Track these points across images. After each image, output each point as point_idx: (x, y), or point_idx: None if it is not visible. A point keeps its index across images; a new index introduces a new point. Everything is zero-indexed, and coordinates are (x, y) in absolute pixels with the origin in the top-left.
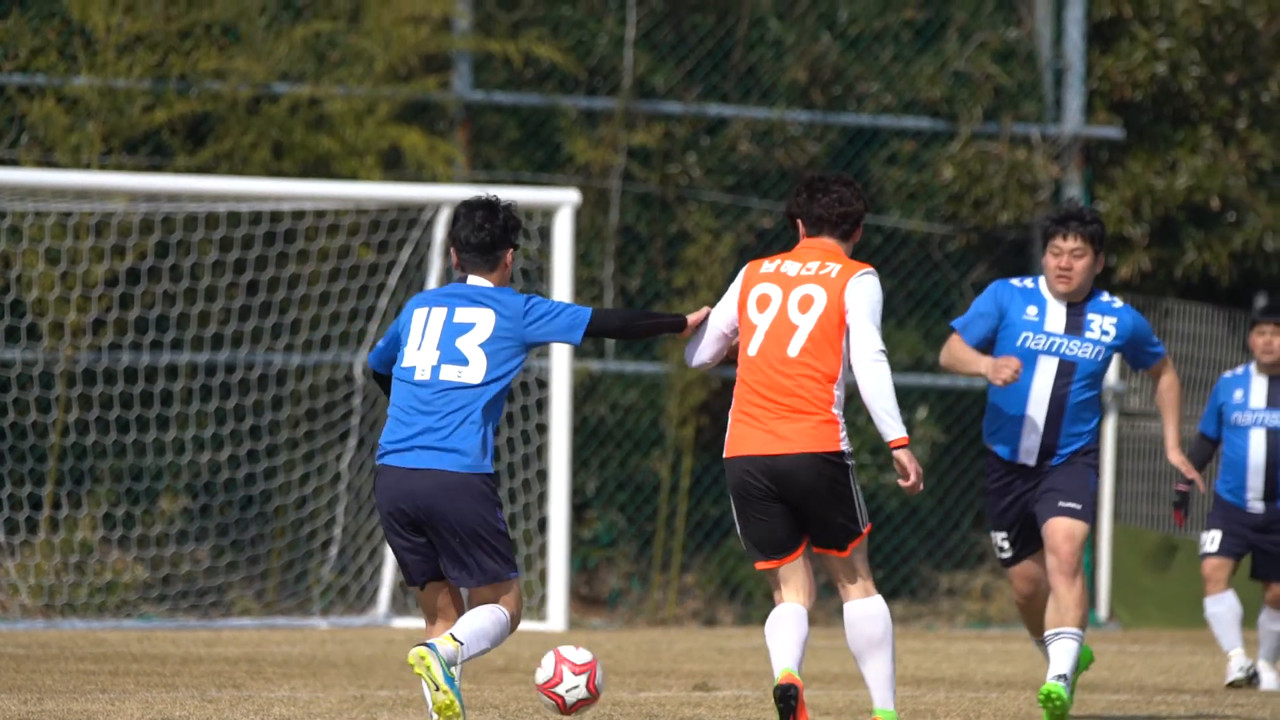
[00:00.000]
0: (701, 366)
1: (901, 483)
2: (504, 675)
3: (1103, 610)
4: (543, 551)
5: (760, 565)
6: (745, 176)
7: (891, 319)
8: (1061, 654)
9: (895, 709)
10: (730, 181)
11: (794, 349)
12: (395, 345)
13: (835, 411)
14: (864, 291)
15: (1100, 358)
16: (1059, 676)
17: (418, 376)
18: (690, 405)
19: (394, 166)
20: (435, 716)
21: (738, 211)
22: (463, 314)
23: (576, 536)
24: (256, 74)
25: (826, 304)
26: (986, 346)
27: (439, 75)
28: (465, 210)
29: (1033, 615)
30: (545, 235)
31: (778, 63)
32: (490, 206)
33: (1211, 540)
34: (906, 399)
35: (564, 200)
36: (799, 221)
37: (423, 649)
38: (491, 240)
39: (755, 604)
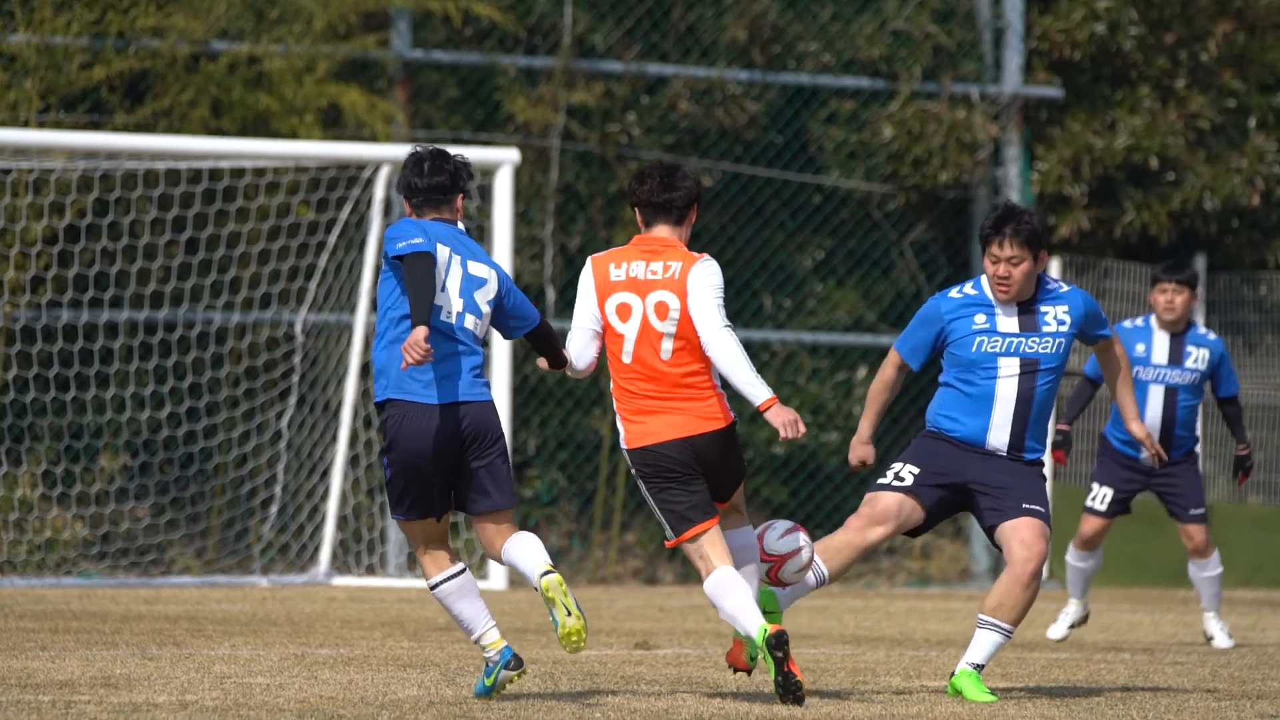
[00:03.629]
0: (588, 367)
1: (783, 435)
2: (445, 634)
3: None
4: None
5: (688, 533)
6: (685, 135)
7: (831, 278)
8: (984, 644)
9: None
10: (670, 140)
11: (665, 353)
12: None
13: (719, 389)
14: (700, 276)
15: (1060, 349)
16: (975, 666)
17: (444, 317)
18: None
19: (333, 125)
20: (565, 640)
21: None
22: (475, 268)
23: (518, 496)
24: (195, 31)
25: (680, 307)
26: (933, 361)
27: (378, 33)
28: (416, 157)
29: (854, 552)
30: (485, 194)
31: (717, 21)
32: (442, 153)
33: (1102, 499)
34: (847, 358)
35: (504, 159)
36: (636, 210)
37: (557, 576)
38: (450, 182)
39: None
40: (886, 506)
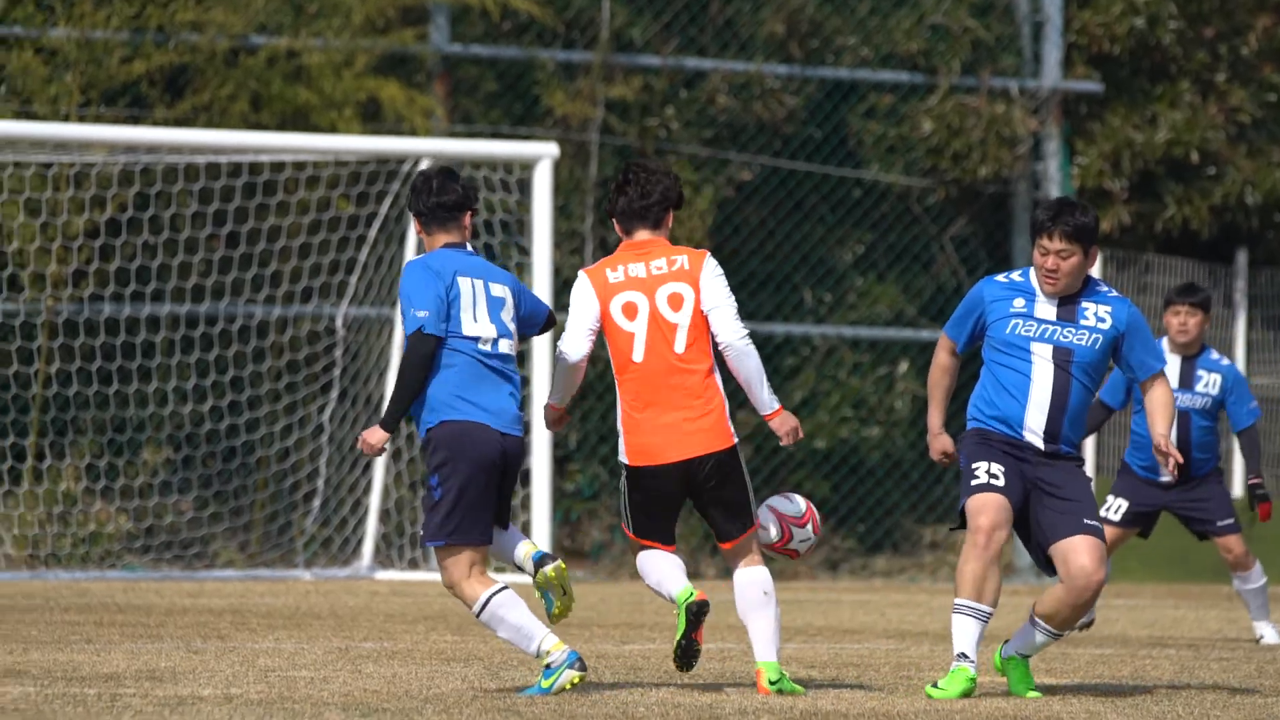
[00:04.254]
0: (581, 360)
1: (785, 441)
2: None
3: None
4: (525, 504)
5: (645, 542)
6: (723, 129)
7: (872, 272)
8: (1034, 640)
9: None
10: (708, 134)
11: (680, 345)
12: (446, 311)
13: (723, 399)
14: (713, 274)
15: (1097, 345)
16: (1024, 656)
17: (482, 346)
18: None
19: (372, 119)
20: (554, 617)
21: (716, 164)
22: (495, 289)
23: (559, 489)
24: (234, 26)
25: (695, 298)
26: (977, 348)
27: (416, 27)
28: (424, 176)
29: (990, 563)
30: (524, 188)
31: (755, 15)
32: (450, 172)
33: (1116, 509)
34: (888, 353)
35: (543, 153)
36: (615, 221)
37: (562, 562)
38: (458, 201)
39: None
40: (998, 507)
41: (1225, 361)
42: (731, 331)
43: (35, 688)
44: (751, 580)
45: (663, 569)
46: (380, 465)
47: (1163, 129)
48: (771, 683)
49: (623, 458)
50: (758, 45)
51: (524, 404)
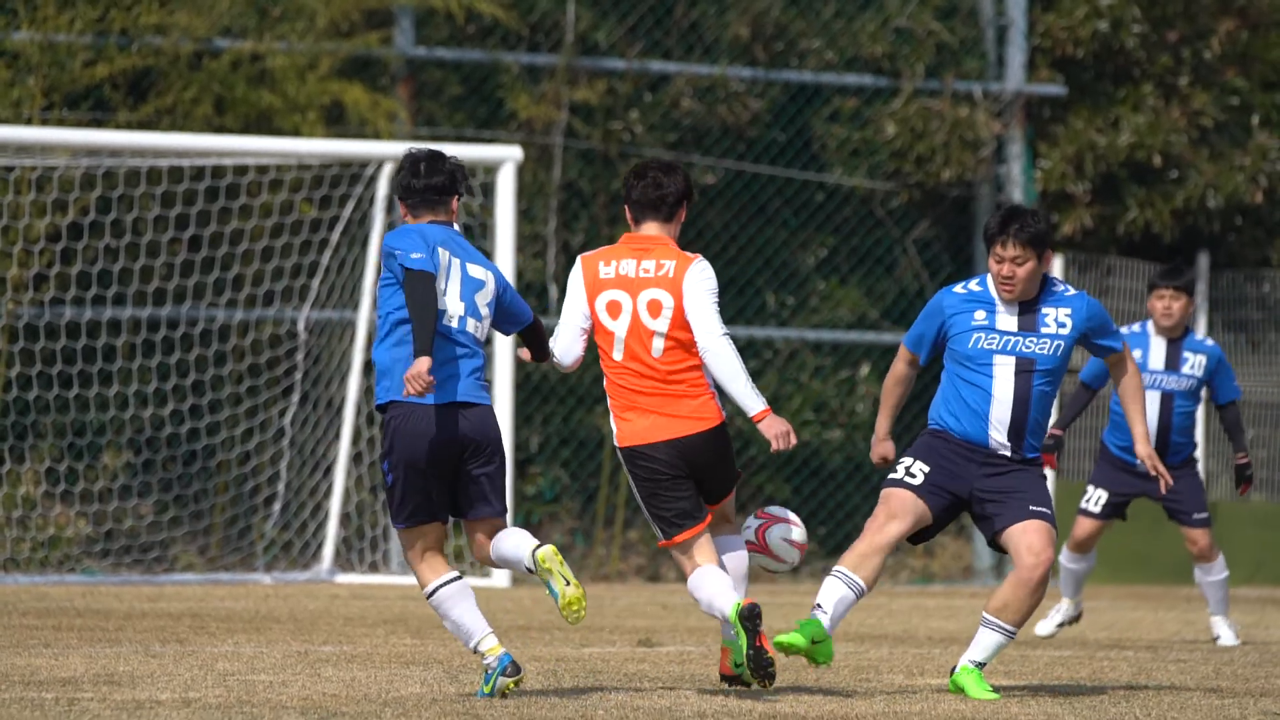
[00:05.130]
0: (575, 363)
1: (775, 448)
2: (447, 631)
3: None
4: None
5: (679, 538)
6: (688, 133)
7: (834, 276)
8: (987, 643)
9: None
10: (673, 138)
11: (656, 350)
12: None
13: (711, 387)
14: (697, 279)
15: (1059, 352)
16: (976, 664)
17: (447, 321)
18: None
19: (336, 122)
20: (566, 610)
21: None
22: (473, 270)
23: (520, 492)
24: (198, 29)
25: (674, 305)
26: (938, 355)
27: (381, 31)
28: (412, 158)
29: (877, 551)
30: (488, 191)
31: (720, 19)
32: (438, 155)
33: (1096, 500)
34: (850, 356)
35: (506, 156)
36: (628, 210)
37: (552, 547)
38: (446, 183)
39: None
40: (903, 501)
41: (1210, 342)
42: (706, 333)
43: None
44: (736, 551)
45: (708, 587)
46: (341, 469)
47: (1125, 132)
48: (737, 664)
49: (615, 442)
50: (722, 48)
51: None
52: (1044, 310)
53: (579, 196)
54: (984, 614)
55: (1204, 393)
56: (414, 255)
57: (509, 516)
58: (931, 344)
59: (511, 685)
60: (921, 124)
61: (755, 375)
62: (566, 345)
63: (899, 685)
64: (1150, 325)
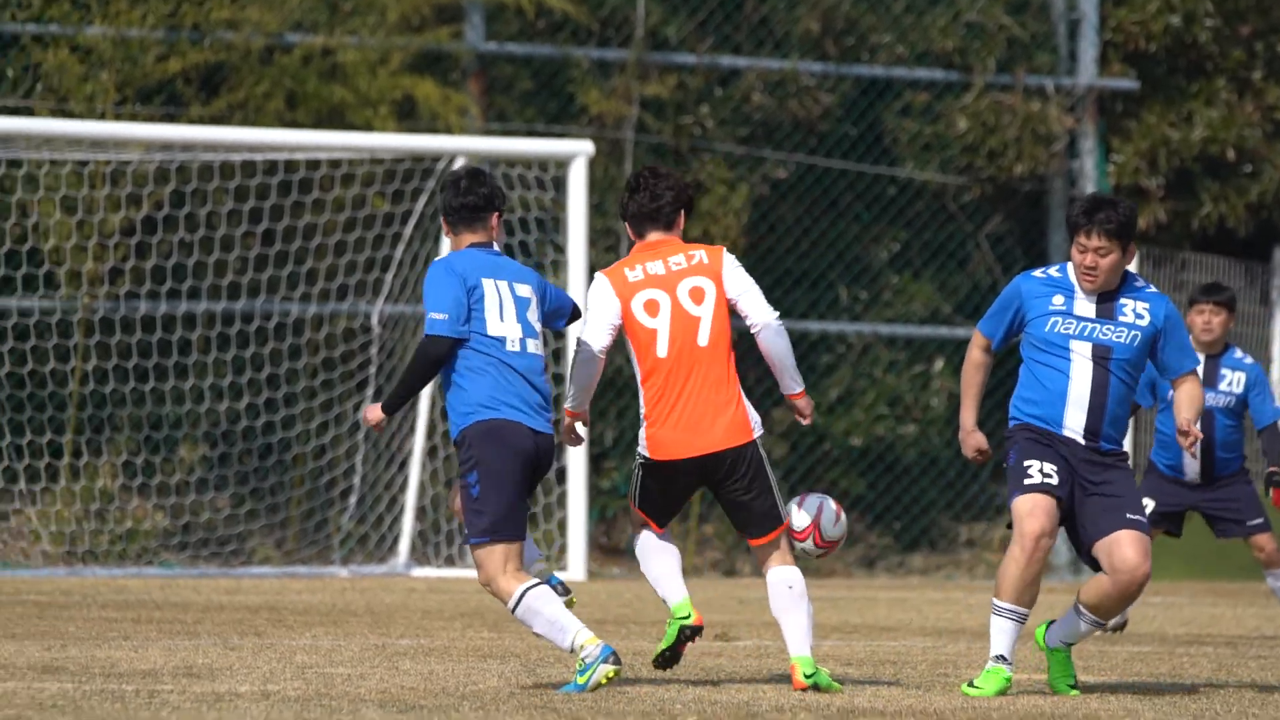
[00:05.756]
0: (600, 353)
1: (805, 420)
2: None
3: None
4: (561, 501)
5: (646, 520)
6: (758, 127)
7: (907, 270)
8: (1077, 626)
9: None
10: (743, 132)
11: (704, 338)
12: (466, 313)
13: (742, 395)
14: (735, 265)
15: (1135, 342)
16: (1068, 644)
17: (509, 347)
18: None
19: (407, 117)
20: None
21: (751, 162)
22: (520, 289)
23: (595, 487)
24: (269, 24)
25: (716, 291)
26: (1013, 339)
27: (452, 26)
28: (454, 177)
29: (1035, 569)
30: (559, 186)
31: (790, 13)
32: (478, 173)
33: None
34: (923, 350)
35: (578, 151)
36: (628, 225)
37: (619, 670)
38: (484, 202)
39: None
40: (1046, 508)
41: (1249, 360)
42: (766, 312)
43: (73, 684)
44: (782, 579)
45: (664, 567)
46: (416, 462)
47: (1199, 126)
48: (806, 676)
49: (642, 449)
50: (793, 43)
51: (555, 404)
52: (1123, 301)
53: None
54: (1077, 603)
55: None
56: (435, 316)
57: (579, 514)
58: (1007, 328)
59: (611, 674)
60: (993, 118)
61: (829, 370)
62: (596, 337)
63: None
64: (1190, 341)
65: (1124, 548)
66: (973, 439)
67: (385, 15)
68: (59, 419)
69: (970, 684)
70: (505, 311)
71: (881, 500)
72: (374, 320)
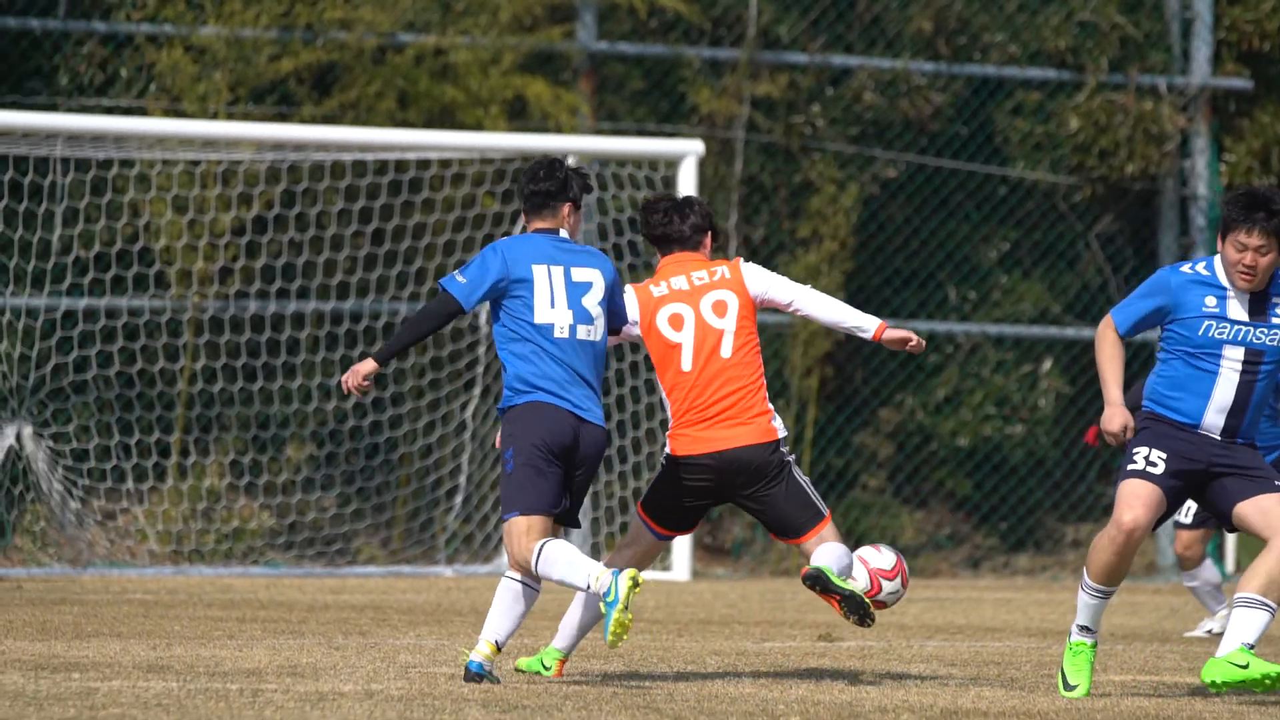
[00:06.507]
0: (626, 335)
1: (912, 347)
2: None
3: (1230, 563)
4: None
5: (651, 525)
6: (869, 127)
7: (1017, 270)
8: (1255, 622)
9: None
10: (854, 132)
11: (726, 350)
12: (499, 293)
13: (769, 406)
14: (756, 270)
15: None
16: (1249, 645)
17: (558, 334)
18: (814, 356)
19: (518, 116)
20: (612, 633)
21: (862, 162)
22: (579, 274)
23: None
24: (382, 24)
25: (739, 303)
26: (1147, 330)
27: (564, 25)
28: (533, 164)
29: (1125, 557)
30: (669, 185)
31: (902, 12)
32: (554, 162)
33: (1186, 511)
34: (1032, 350)
35: (688, 150)
36: (654, 244)
37: (639, 574)
38: (555, 189)
39: None
40: (1146, 495)
41: None
42: (794, 288)
43: (178, 683)
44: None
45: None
46: None
47: None
48: (813, 565)
49: (666, 450)
50: (905, 42)
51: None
52: (1274, 299)
53: (760, 190)
54: (1244, 594)
55: None
56: (459, 278)
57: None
58: (1144, 321)
59: (630, 581)
60: (1105, 118)
61: (936, 370)
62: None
63: None
64: None
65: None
66: (1121, 415)
67: (497, 15)
68: (167, 418)
69: (1065, 684)
70: (556, 298)
71: (988, 500)
72: (482, 319)
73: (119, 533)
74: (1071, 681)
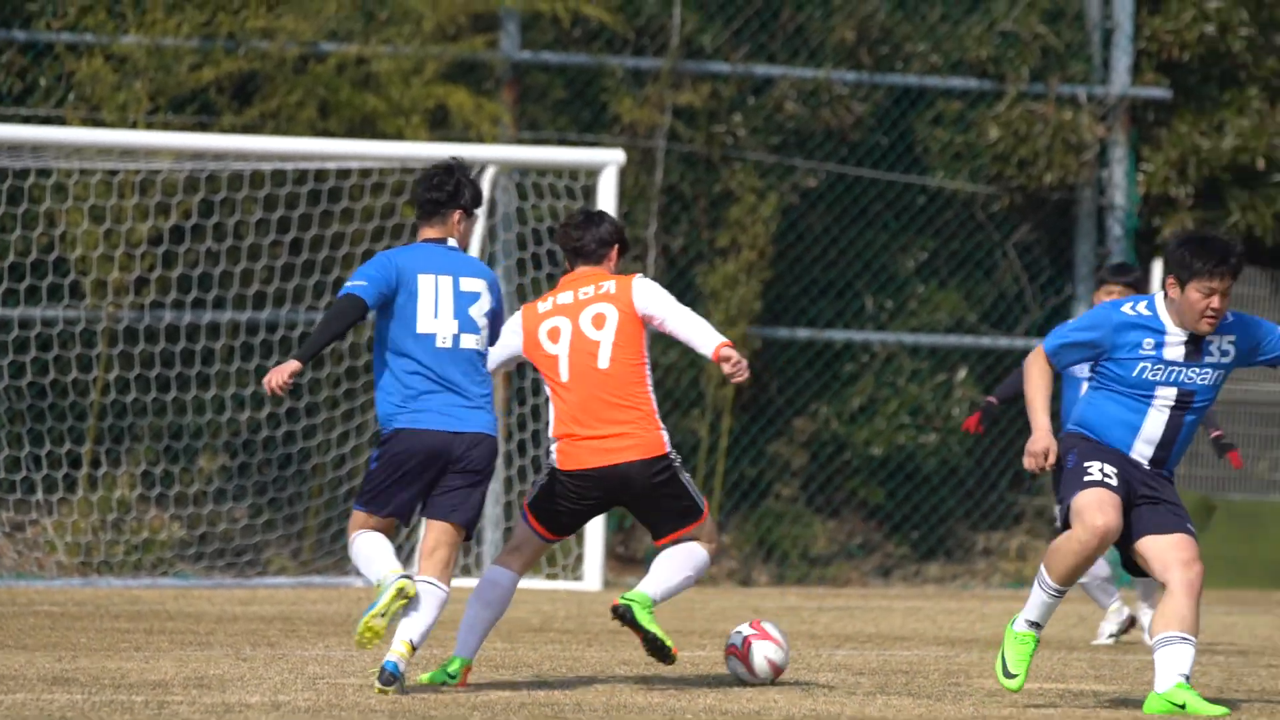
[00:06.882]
0: (496, 369)
1: (737, 379)
2: (539, 634)
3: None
4: None
5: (536, 528)
6: (791, 136)
7: (934, 280)
8: (1184, 655)
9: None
10: (775, 141)
11: (603, 361)
12: (392, 295)
13: (657, 417)
14: (647, 285)
15: (1218, 381)
16: (1186, 677)
17: (440, 344)
18: None
19: (440, 126)
20: (362, 632)
21: (782, 171)
22: (467, 283)
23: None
24: (304, 33)
25: (621, 317)
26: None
27: (486, 35)
28: (427, 170)
29: (1091, 560)
30: (590, 194)
31: (825, 22)
32: (447, 169)
33: None
34: (947, 360)
35: (609, 160)
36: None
37: (412, 587)
38: (444, 198)
39: (790, 564)
40: (1116, 504)
41: None
42: (666, 308)
43: (83, 695)
44: (687, 550)
45: (472, 613)
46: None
47: (1230, 136)
48: (624, 598)
49: (551, 460)
50: (827, 52)
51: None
52: (1211, 339)
53: (680, 200)
54: (1166, 633)
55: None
56: (356, 283)
57: (597, 523)
58: (1076, 356)
59: (400, 590)
60: (1025, 127)
61: (852, 379)
62: (492, 356)
63: (989, 689)
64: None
65: (1181, 550)
66: (1046, 439)
67: (420, 24)
68: (79, 429)
69: (1005, 671)
70: (441, 308)
71: (900, 509)
72: None
73: (27, 544)
74: (1012, 670)
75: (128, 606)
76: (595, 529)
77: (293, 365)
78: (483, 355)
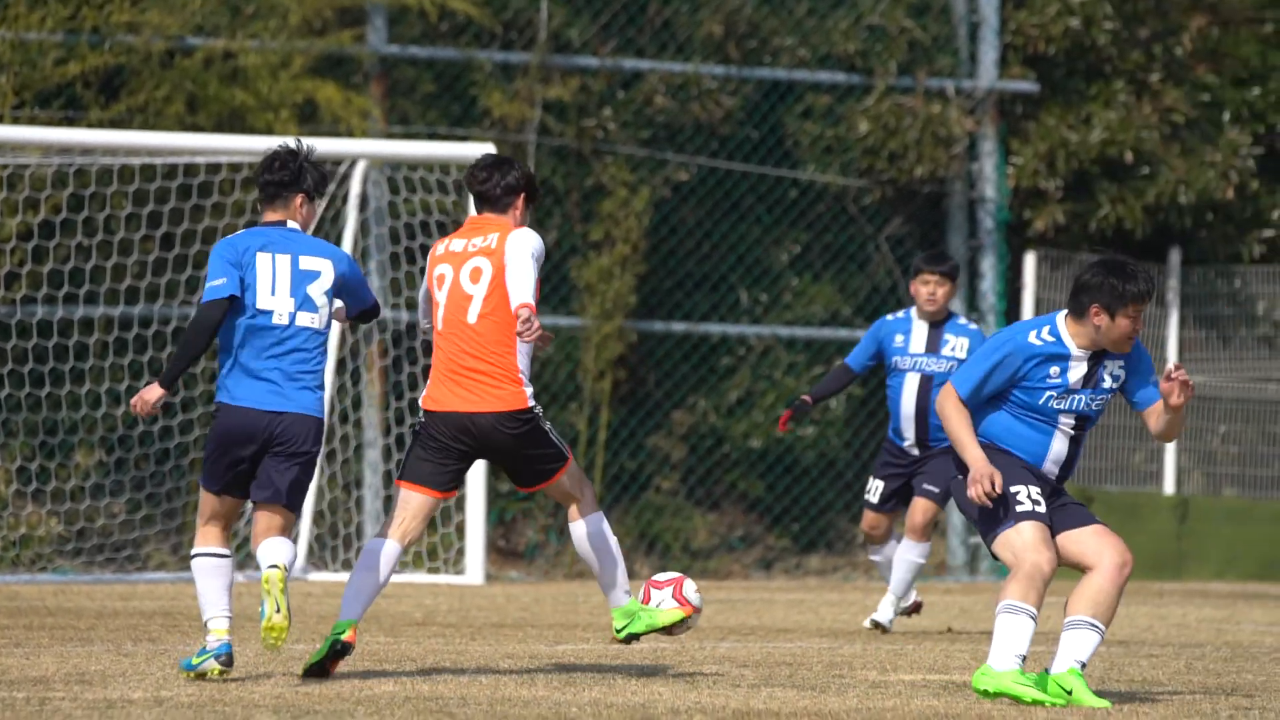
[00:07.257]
0: (425, 321)
1: (525, 338)
2: (421, 629)
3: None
4: (460, 504)
5: (415, 489)
6: (661, 130)
7: (807, 273)
8: (1088, 642)
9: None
10: (646, 135)
11: (472, 316)
12: (240, 284)
13: (521, 375)
14: (518, 243)
15: (1104, 406)
16: (1082, 664)
17: (277, 320)
18: (607, 359)
19: (309, 120)
20: (265, 634)
21: (653, 165)
22: (307, 262)
23: (494, 489)
24: (170, 27)
25: (494, 272)
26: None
27: (354, 29)
28: (270, 153)
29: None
30: (461, 189)
31: (693, 16)
32: (290, 152)
33: (874, 490)
34: (823, 352)
35: (479, 154)
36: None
37: (280, 572)
38: (288, 180)
39: (672, 556)
40: (1048, 533)
41: (973, 327)
42: (511, 263)
43: None
44: (596, 531)
45: (358, 579)
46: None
47: (1097, 129)
48: (619, 631)
49: (421, 404)
50: (695, 46)
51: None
52: (1105, 362)
53: (553, 194)
54: (1076, 617)
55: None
56: (213, 283)
57: (478, 517)
58: (988, 390)
59: (217, 672)
60: (894, 121)
61: (729, 372)
62: (424, 311)
63: (872, 681)
64: (914, 310)
65: (1105, 539)
66: (988, 469)
67: (287, 19)
68: None
69: (1093, 696)
70: (279, 285)
71: (780, 502)
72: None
73: None
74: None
75: (6, 603)
76: (476, 523)
77: (156, 393)
78: (320, 334)
